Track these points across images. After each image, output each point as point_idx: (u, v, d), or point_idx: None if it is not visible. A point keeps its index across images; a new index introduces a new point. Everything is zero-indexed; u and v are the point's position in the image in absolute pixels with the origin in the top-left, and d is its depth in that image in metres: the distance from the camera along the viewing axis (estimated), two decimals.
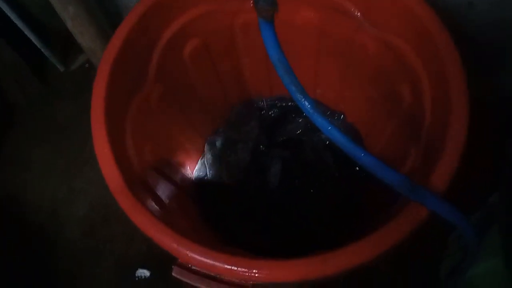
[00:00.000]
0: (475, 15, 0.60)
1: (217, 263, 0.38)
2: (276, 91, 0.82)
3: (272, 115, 0.83)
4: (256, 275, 0.37)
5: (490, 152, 0.60)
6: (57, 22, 0.81)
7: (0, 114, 0.97)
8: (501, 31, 0.62)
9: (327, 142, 0.78)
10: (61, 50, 1.03)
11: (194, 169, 0.78)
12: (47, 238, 0.84)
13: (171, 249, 0.40)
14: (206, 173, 0.78)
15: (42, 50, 0.96)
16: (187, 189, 0.72)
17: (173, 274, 0.41)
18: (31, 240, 0.84)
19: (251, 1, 0.36)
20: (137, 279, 0.77)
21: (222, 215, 0.72)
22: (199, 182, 0.76)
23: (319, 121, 0.36)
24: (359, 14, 0.57)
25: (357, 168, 0.74)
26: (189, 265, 0.41)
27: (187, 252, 0.39)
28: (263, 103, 0.83)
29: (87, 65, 1.03)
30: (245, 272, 0.38)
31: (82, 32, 0.80)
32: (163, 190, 0.57)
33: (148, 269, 0.77)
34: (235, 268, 0.38)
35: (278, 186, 0.74)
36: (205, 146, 0.79)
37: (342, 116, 0.77)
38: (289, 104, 0.83)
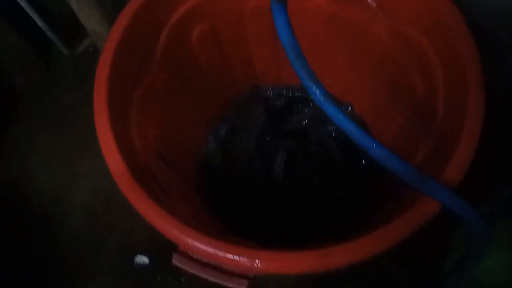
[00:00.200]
0: (483, 5, 0.59)
1: (219, 252, 0.37)
2: (284, 80, 0.80)
3: (279, 104, 0.82)
4: (259, 266, 0.36)
5: (494, 144, 0.58)
6: (62, 4, 0.80)
7: (3, 99, 0.96)
8: (507, 21, 0.60)
9: (333, 134, 0.77)
10: (66, 34, 1.01)
11: (198, 157, 0.77)
12: (48, 223, 0.83)
13: (172, 237, 0.39)
14: (210, 162, 0.77)
15: (47, 33, 0.95)
16: (190, 177, 0.71)
17: (173, 262, 0.41)
18: (33, 225, 0.84)
19: None
20: (136, 265, 0.77)
21: (225, 204, 0.71)
22: (203, 170, 0.76)
23: (330, 109, 0.35)
24: (373, 2, 0.55)
25: (363, 161, 0.73)
26: (190, 254, 0.40)
27: (188, 240, 0.38)
28: (270, 92, 0.82)
29: (91, 50, 1.02)
30: (248, 262, 0.37)
31: (88, 16, 0.78)
32: (166, 177, 0.56)
33: (148, 256, 0.77)
34: (237, 258, 0.37)
35: (283, 176, 0.73)
36: (210, 134, 0.78)
37: (350, 107, 0.76)
38: (296, 94, 0.82)
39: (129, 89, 0.53)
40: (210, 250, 0.38)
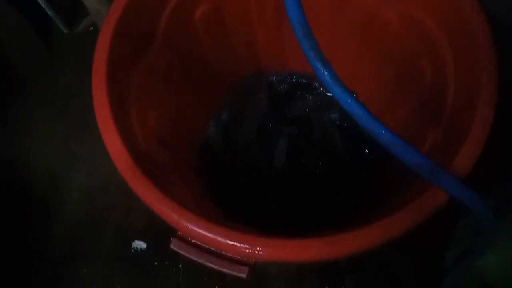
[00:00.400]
0: None
1: (219, 238, 0.36)
2: (288, 66, 0.78)
3: (282, 90, 0.80)
4: (260, 252, 0.35)
5: (501, 135, 0.57)
6: None
7: (2, 78, 0.94)
8: None
9: (337, 121, 0.76)
10: (66, 12, 0.99)
11: (199, 143, 0.76)
12: (46, 204, 0.82)
13: (171, 221, 0.38)
14: (211, 147, 0.75)
15: (47, 10, 0.92)
16: (191, 162, 0.70)
17: (171, 246, 0.39)
18: (31, 206, 0.83)
19: None
20: (133, 250, 0.76)
21: (226, 190, 0.70)
22: (203, 156, 0.74)
23: (338, 92, 0.33)
24: None
25: (366, 151, 0.72)
26: (189, 239, 0.39)
27: (188, 224, 0.37)
28: (273, 77, 0.80)
29: (91, 28, 1.00)
30: (248, 249, 0.36)
31: None
32: (166, 162, 0.55)
33: (145, 241, 0.76)
34: (238, 244, 0.36)
35: (284, 163, 0.72)
36: (211, 119, 0.77)
37: (355, 95, 0.75)
38: (299, 80, 0.80)
39: (129, 69, 0.51)
40: (210, 235, 0.37)
